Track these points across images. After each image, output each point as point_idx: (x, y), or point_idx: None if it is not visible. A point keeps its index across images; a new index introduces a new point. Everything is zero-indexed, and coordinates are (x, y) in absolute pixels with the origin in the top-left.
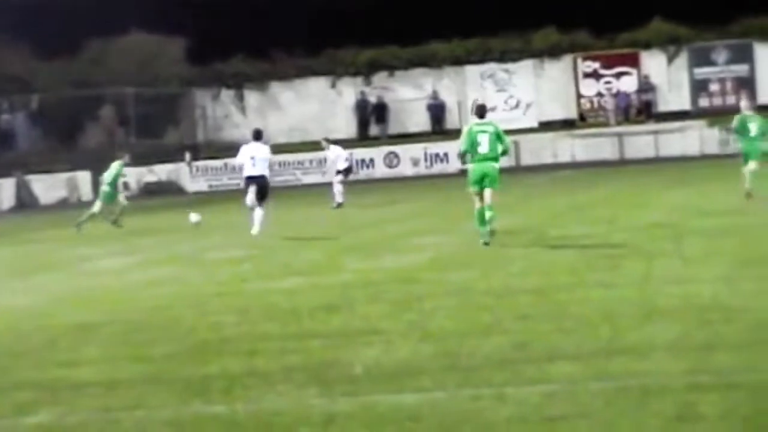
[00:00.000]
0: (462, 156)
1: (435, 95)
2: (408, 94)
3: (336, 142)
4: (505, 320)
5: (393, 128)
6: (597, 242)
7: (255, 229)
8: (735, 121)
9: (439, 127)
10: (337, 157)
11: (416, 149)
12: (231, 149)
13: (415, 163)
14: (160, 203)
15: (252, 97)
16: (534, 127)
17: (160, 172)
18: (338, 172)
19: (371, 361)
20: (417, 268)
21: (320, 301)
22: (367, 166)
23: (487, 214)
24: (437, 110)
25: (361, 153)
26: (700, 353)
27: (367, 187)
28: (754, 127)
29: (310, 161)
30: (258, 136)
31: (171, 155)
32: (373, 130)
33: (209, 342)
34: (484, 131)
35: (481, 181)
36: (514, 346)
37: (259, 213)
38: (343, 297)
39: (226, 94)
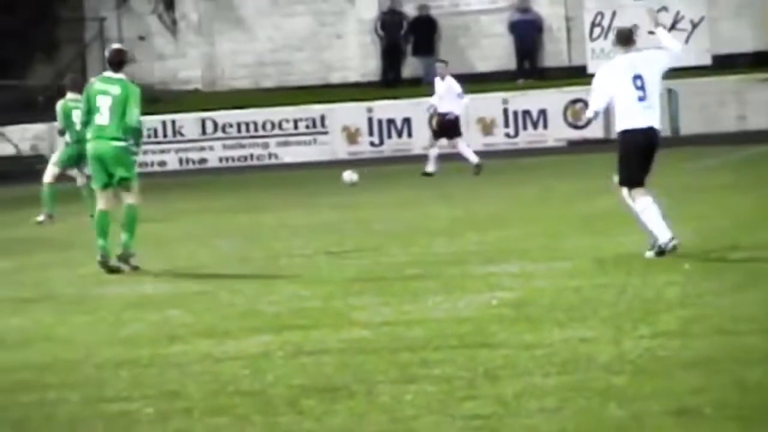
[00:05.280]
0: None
1: (524, 4)
2: (475, 1)
3: (343, 86)
4: (645, 420)
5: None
6: None
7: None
8: None
9: (530, 64)
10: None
11: (489, 103)
12: (150, 100)
13: (487, 127)
14: (17, 194)
15: (190, 5)
16: (704, 65)
17: (20, 137)
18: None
19: None
20: (483, 320)
21: (309, 377)
22: (399, 133)
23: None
24: (527, 33)
25: (389, 107)
26: None
27: (396, 169)
28: None
29: (297, 122)
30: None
31: (39, 108)
32: (410, 67)
33: None
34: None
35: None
36: None
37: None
38: (350, 370)
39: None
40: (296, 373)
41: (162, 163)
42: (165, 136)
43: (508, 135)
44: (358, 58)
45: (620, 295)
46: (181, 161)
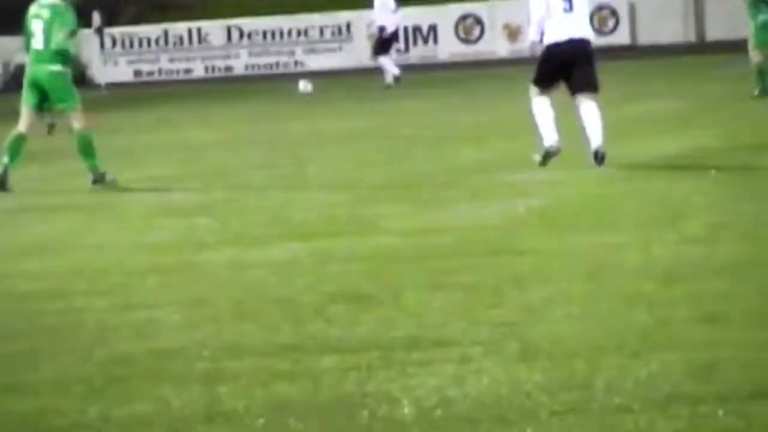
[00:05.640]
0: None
1: None
2: None
3: None
4: (672, 326)
5: None
6: None
7: None
8: None
9: None
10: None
11: (515, 9)
12: (176, 8)
13: (513, 34)
14: None
15: None
16: None
17: None
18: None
19: (432, 398)
20: (510, 227)
21: (336, 284)
22: (425, 40)
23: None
24: None
25: (415, 14)
26: None
27: (422, 77)
28: None
29: (323, 30)
30: None
31: None
32: None
33: (130, 363)
34: None
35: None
36: (690, 372)
37: None
38: (378, 278)
39: None
40: (324, 281)
41: (188, 71)
42: (191, 43)
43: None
44: None
45: (647, 202)
46: (207, 69)
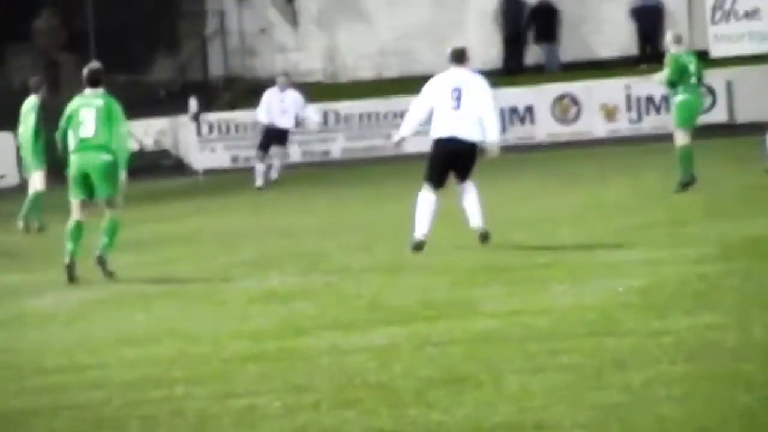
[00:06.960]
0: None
1: None
2: None
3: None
4: None
5: (569, 51)
6: None
7: None
8: None
9: (652, 49)
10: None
11: (612, 89)
12: None
13: (610, 113)
14: (141, 190)
15: None
16: None
17: (143, 132)
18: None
19: None
20: (609, 308)
21: (436, 368)
22: (522, 120)
23: None
24: (648, 18)
25: (511, 95)
26: None
27: (517, 157)
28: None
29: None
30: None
31: (162, 103)
32: (533, 54)
33: None
34: None
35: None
36: None
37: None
38: (477, 361)
39: None
40: (423, 365)
41: (285, 156)
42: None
43: (631, 120)
44: (480, 46)
45: (747, 281)
46: (303, 154)
